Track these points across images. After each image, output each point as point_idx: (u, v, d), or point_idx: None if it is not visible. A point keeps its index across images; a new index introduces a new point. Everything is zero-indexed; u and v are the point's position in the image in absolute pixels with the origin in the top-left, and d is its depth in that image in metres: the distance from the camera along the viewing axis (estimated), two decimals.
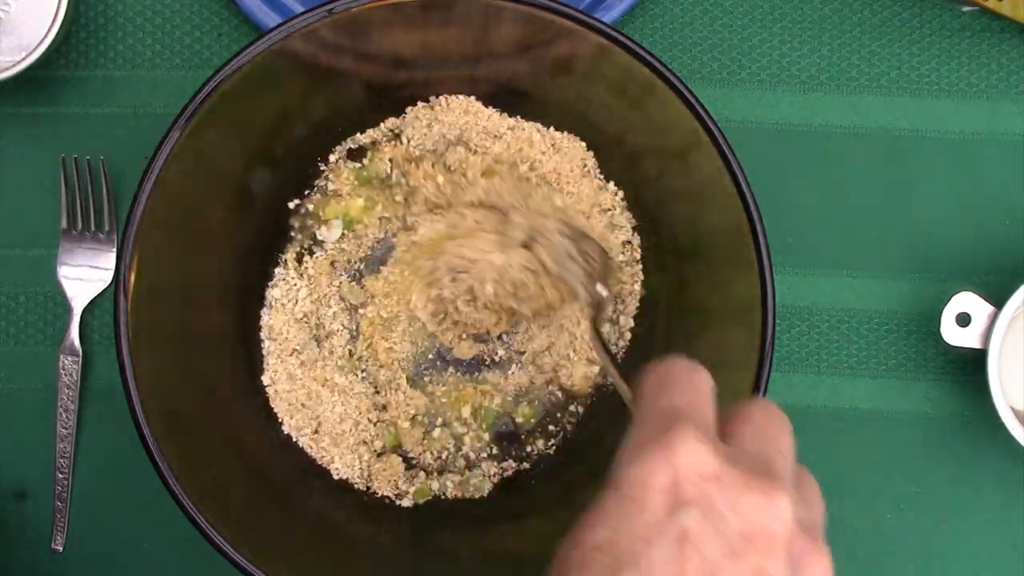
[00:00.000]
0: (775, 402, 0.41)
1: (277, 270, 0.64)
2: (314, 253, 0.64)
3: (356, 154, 0.64)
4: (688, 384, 0.40)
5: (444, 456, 0.64)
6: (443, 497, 0.64)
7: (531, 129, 0.63)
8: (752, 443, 0.39)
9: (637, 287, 0.64)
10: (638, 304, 0.64)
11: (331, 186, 0.64)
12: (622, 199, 0.64)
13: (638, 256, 0.64)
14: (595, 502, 0.38)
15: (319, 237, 0.64)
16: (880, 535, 0.67)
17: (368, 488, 0.63)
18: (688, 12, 0.68)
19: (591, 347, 0.60)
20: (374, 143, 0.64)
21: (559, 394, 0.65)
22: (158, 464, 0.54)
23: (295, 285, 0.64)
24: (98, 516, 0.66)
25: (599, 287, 0.57)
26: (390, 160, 0.63)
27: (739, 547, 0.35)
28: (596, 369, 0.64)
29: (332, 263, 0.64)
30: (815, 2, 0.68)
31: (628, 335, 0.64)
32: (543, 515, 0.62)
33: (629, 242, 0.64)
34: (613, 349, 0.64)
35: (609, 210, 0.64)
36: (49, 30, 0.62)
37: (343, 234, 0.64)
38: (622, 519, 0.36)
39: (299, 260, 0.64)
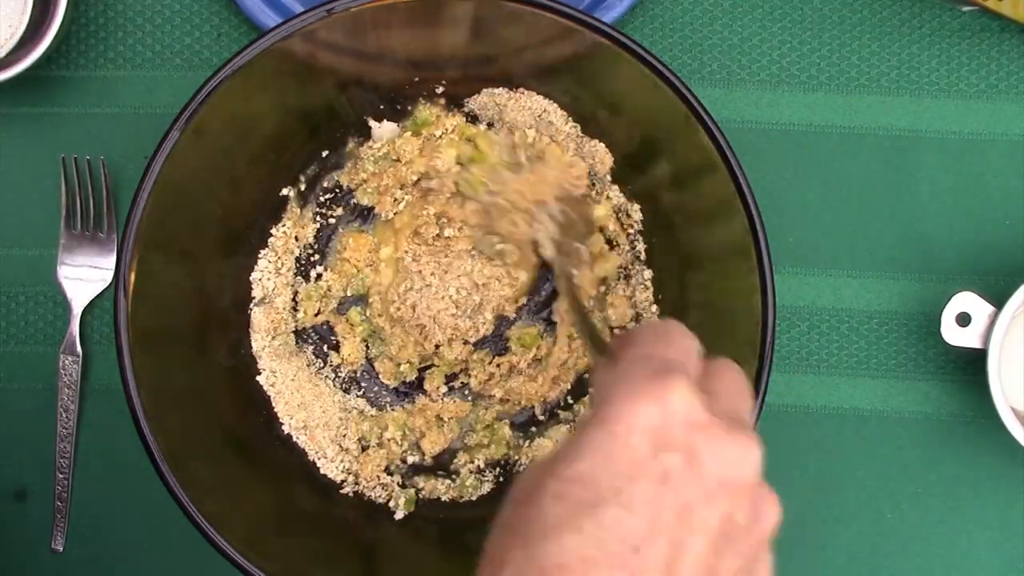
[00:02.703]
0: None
1: (257, 268, 0.64)
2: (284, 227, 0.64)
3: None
4: (682, 344, 0.42)
5: (439, 457, 0.65)
6: (439, 499, 0.64)
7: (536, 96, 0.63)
8: (726, 398, 0.41)
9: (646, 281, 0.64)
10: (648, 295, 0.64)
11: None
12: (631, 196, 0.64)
13: (642, 256, 0.64)
14: (577, 435, 0.38)
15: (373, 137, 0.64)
16: (880, 535, 0.67)
17: (357, 488, 0.63)
18: (688, 12, 0.68)
19: (568, 305, 0.61)
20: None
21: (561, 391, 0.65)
22: (158, 464, 0.54)
23: (274, 282, 0.64)
24: (98, 516, 0.66)
25: (576, 245, 0.60)
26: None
27: (714, 492, 0.37)
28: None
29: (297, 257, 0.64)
30: (815, 2, 0.68)
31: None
32: None
33: (634, 241, 0.64)
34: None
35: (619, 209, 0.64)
36: (48, 29, 0.62)
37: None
38: (606, 454, 0.37)
39: (276, 255, 0.64)
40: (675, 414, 0.37)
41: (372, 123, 0.63)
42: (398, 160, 0.64)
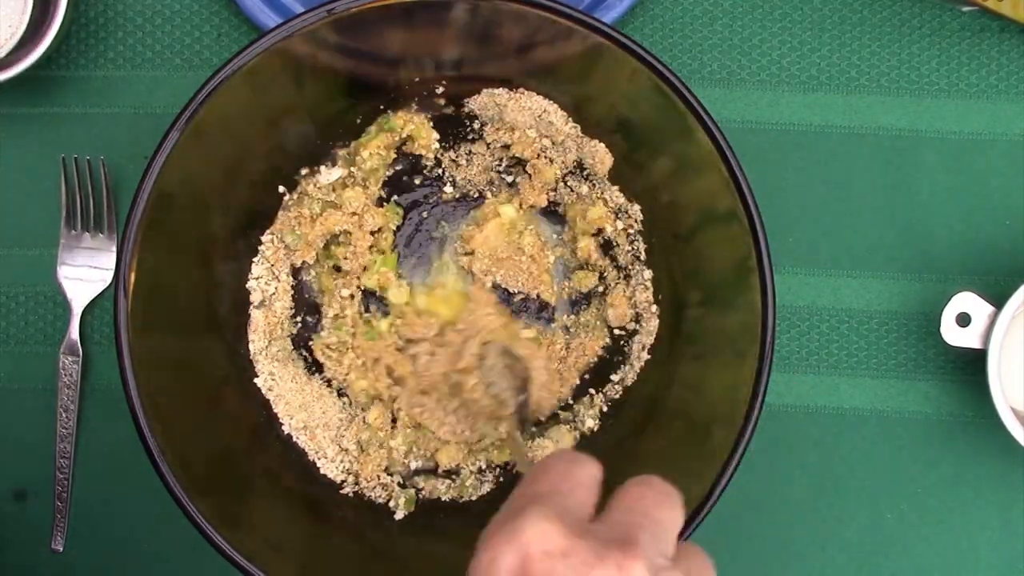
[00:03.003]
0: (661, 479, 0.42)
1: (255, 268, 0.64)
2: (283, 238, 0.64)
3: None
4: (559, 472, 0.41)
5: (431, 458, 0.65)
6: (439, 499, 0.64)
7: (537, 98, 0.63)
8: (620, 514, 0.39)
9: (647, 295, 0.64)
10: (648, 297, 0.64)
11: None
12: (626, 198, 0.64)
13: (642, 256, 0.64)
14: None
15: (318, 179, 0.63)
16: (880, 535, 0.67)
17: (357, 488, 0.63)
18: (688, 12, 0.68)
19: (512, 442, 0.62)
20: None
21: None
22: (158, 464, 0.54)
23: (274, 286, 0.64)
24: (98, 516, 0.66)
25: (521, 396, 0.60)
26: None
27: None
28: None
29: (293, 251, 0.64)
30: (815, 2, 0.68)
31: (643, 356, 0.65)
32: None
33: (634, 241, 0.64)
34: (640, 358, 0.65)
35: (616, 212, 0.64)
36: (48, 29, 0.62)
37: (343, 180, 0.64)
38: None
39: (273, 256, 0.64)
40: (531, 547, 0.36)
41: (323, 168, 0.63)
42: (338, 207, 0.64)
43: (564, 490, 0.40)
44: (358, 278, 0.64)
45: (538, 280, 0.65)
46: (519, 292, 0.65)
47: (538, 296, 0.66)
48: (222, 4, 0.67)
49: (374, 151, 0.63)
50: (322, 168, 0.63)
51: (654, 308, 0.64)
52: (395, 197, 0.65)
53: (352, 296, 0.64)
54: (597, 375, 0.65)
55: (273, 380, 0.63)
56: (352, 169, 0.64)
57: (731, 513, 0.66)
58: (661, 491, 0.41)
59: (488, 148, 0.65)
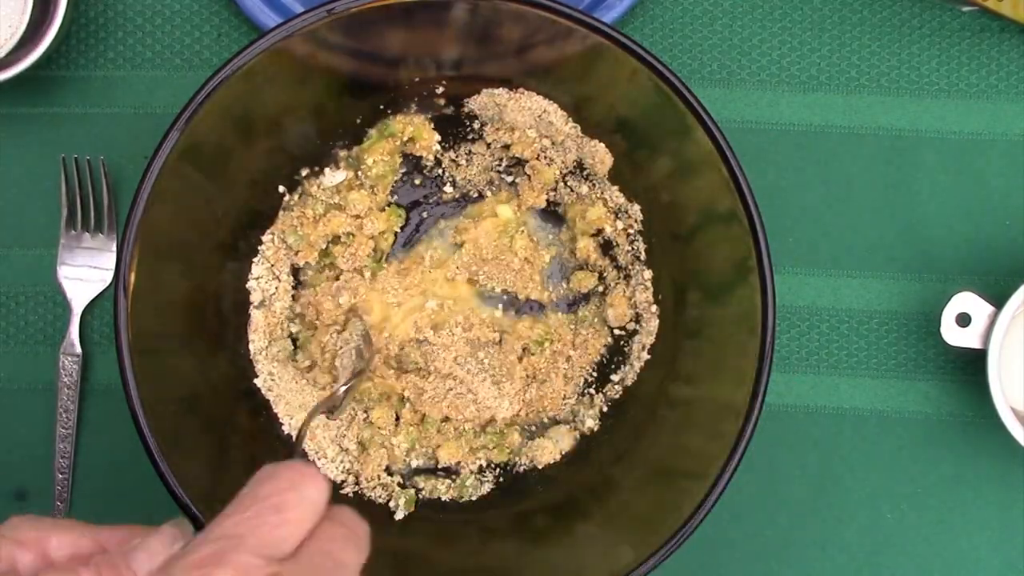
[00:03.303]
0: (351, 511, 0.43)
1: (255, 268, 0.64)
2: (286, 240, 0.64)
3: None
4: (271, 505, 0.40)
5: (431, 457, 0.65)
6: (439, 499, 0.64)
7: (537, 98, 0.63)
8: (310, 556, 0.39)
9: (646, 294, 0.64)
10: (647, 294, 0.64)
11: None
12: (626, 198, 0.64)
13: (642, 256, 0.64)
14: None
15: (322, 181, 0.64)
16: (880, 535, 0.67)
17: (357, 488, 0.63)
18: (688, 12, 0.68)
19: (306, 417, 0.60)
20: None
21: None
22: (158, 464, 0.54)
23: (274, 286, 0.64)
24: (98, 516, 0.66)
25: (346, 384, 0.60)
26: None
27: None
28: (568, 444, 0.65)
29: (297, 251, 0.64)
30: (815, 2, 0.68)
31: (643, 356, 0.65)
32: (544, 518, 0.62)
33: (634, 241, 0.64)
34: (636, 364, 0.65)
35: (616, 210, 0.64)
36: (48, 29, 0.62)
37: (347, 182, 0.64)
38: None
39: (274, 256, 0.64)
40: None
41: (327, 171, 0.63)
42: (342, 209, 0.64)
43: (270, 524, 0.39)
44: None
45: (528, 280, 0.65)
46: (505, 291, 0.65)
47: (527, 297, 0.66)
48: (222, 4, 0.67)
49: (378, 157, 0.63)
50: (326, 171, 0.63)
51: (654, 308, 0.64)
52: (395, 197, 0.65)
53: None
54: (597, 375, 0.65)
55: (273, 380, 0.63)
56: (358, 174, 0.64)
57: (731, 513, 0.66)
58: (350, 530, 0.41)
59: (488, 148, 0.65)
